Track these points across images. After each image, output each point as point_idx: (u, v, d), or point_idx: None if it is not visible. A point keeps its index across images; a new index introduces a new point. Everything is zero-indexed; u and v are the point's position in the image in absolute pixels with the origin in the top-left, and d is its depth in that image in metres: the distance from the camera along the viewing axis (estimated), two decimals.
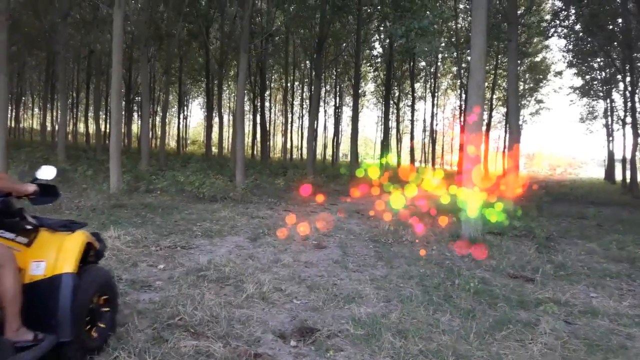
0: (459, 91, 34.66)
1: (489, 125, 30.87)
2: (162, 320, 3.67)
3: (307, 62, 33.52)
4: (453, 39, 25.30)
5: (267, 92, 35.85)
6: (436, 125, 41.31)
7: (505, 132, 37.48)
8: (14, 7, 14.14)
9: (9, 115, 32.49)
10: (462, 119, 28.69)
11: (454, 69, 35.72)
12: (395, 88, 33.68)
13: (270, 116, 43.29)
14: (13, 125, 39.32)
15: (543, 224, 9.38)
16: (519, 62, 22.27)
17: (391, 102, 31.02)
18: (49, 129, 39.17)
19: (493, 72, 29.75)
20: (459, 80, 32.22)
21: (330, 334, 3.67)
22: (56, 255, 2.80)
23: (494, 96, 33.06)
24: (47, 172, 3.16)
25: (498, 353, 3.53)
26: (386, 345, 3.48)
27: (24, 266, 2.70)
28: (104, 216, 8.23)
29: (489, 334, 3.85)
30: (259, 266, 5.56)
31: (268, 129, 34.28)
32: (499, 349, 3.61)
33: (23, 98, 45.89)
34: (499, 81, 32.99)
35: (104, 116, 36.53)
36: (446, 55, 29.11)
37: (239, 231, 7.86)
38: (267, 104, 36.55)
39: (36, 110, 57.94)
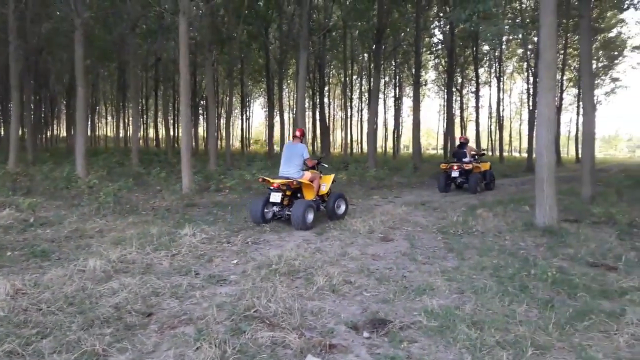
0: (525, 74, 33.04)
1: (559, 108, 29.20)
2: (239, 312, 3.83)
3: (365, 54, 33.28)
4: (518, 20, 24.14)
5: (326, 88, 35.95)
6: (502, 110, 39.61)
7: (577, 114, 35.25)
8: (87, 22, 15.11)
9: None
10: (530, 102, 27.31)
11: (520, 51, 34.08)
12: (458, 75, 32.61)
13: (329, 111, 43.40)
14: (89, 133, 42.06)
15: (624, 210, 8.82)
16: (591, 38, 20.83)
17: (454, 89, 30.10)
18: (121, 135, 41.79)
19: (562, 51, 28.09)
20: (525, 63, 30.74)
21: (402, 326, 3.67)
22: (327, 183, 8.42)
23: (564, 77, 31.22)
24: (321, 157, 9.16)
25: (580, 344, 3.38)
26: (461, 337, 3.43)
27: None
28: (179, 215, 8.66)
29: (569, 324, 3.70)
30: (327, 259, 5.63)
31: (328, 124, 34.36)
32: (582, 340, 3.46)
33: (97, 107, 49.05)
34: (569, 61, 31.11)
35: (171, 120, 38.20)
36: (512, 37, 27.84)
37: None
38: (325, 99, 36.65)
39: (109, 118, 61.83)
